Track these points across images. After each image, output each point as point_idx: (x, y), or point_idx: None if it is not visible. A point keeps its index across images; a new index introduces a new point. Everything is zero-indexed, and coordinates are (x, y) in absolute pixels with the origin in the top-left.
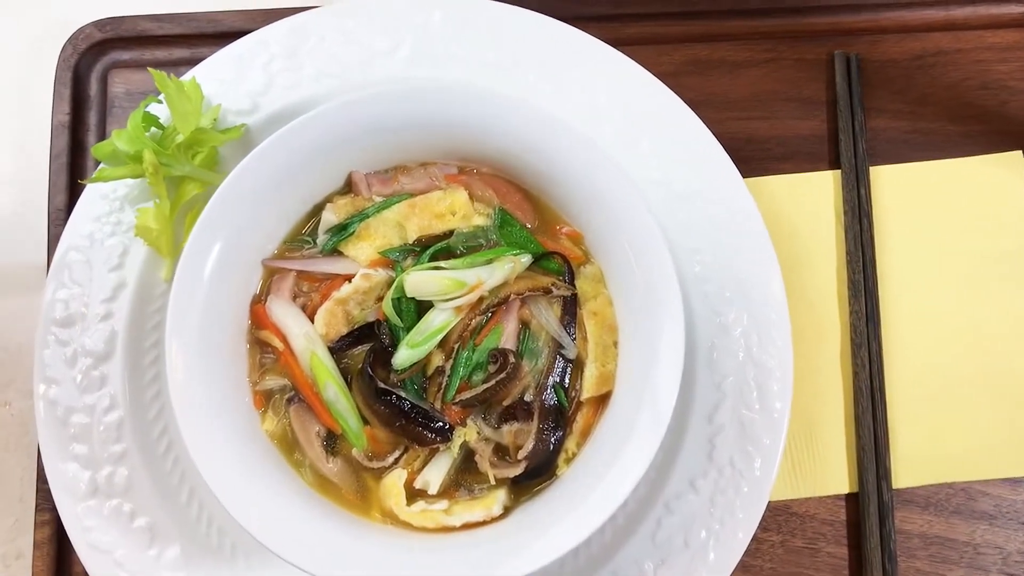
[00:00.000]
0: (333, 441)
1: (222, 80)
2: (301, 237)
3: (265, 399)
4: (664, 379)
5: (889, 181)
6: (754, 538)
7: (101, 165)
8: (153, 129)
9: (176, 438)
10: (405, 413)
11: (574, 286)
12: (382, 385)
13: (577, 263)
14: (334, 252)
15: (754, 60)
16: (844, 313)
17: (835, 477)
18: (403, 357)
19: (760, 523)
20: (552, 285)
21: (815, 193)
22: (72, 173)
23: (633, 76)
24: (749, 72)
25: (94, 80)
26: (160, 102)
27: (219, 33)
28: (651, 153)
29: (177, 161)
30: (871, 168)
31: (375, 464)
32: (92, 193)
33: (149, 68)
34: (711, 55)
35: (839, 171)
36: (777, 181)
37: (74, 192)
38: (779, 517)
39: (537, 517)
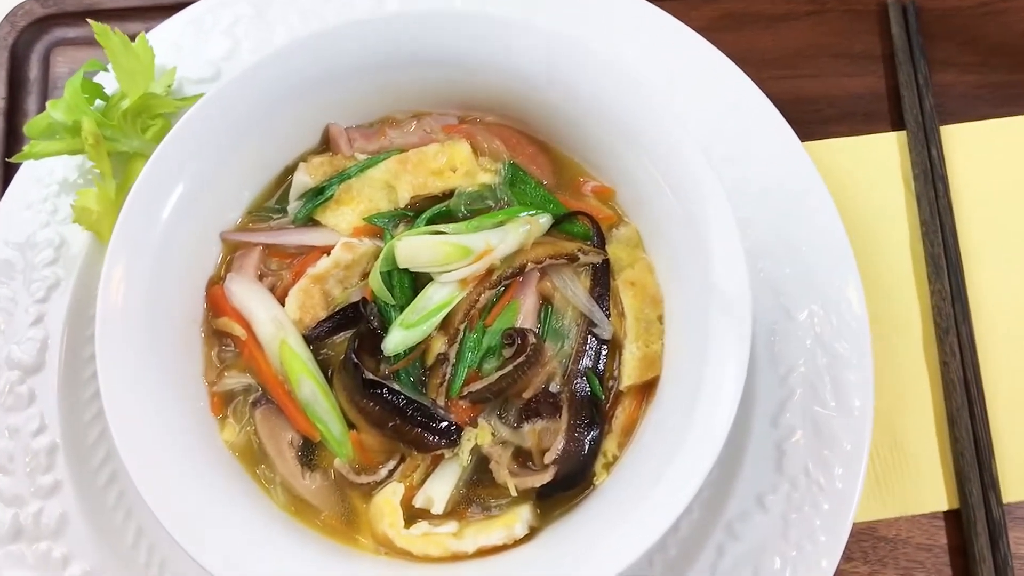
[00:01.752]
0: (310, 451)
1: (180, 46)
2: (268, 205)
3: (224, 402)
4: (726, 360)
5: (962, 141)
6: (836, 571)
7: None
8: (98, 102)
9: (123, 467)
10: (400, 411)
11: (605, 251)
12: (371, 376)
13: (607, 224)
14: (308, 221)
15: (795, 13)
16: (924, 294)
17: (930, 491)
18: (396, 341)
19: (845, 548)
20: (578, 251)
21: (877, 158)
22: (8, 165)
23: (667, 29)
24: (791, 26)
25: (34, 61)
26: (107, 70)
27: (179, 4)
28: (689, 112)
29: (124, 134)
30: (940, 127)
31: (364, 478)
32: (24, 176)
33: (89, 20)
34: (747, 8)
35: (903, 132)
36: (831, 146)
37: (8, 181)
38: (864, 543)
39: (570, 540)
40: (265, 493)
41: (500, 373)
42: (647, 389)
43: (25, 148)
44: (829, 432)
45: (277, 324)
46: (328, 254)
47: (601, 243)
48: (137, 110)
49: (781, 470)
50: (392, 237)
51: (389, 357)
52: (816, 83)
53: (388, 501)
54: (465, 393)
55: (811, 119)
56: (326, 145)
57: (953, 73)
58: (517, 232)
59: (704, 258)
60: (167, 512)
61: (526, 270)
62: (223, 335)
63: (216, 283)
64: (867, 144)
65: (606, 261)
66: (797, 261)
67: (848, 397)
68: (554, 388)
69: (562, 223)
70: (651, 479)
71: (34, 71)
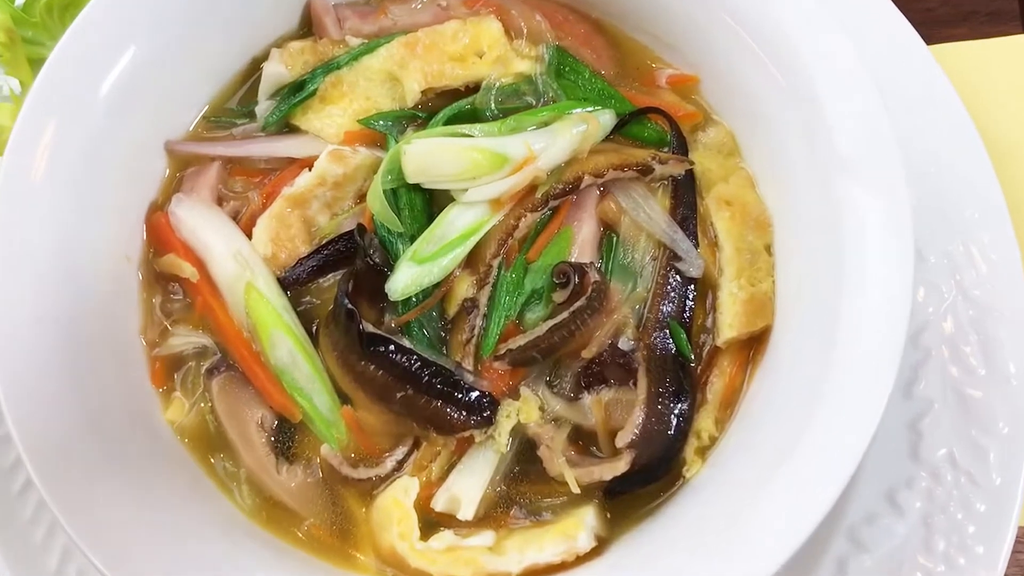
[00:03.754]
0: (288, 436)
1: None
2: (231, 107)
3: (169, 371)
4: (877, 295)
5: None
6: None
7: None
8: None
9: None
10: (413, 377)
11: (689, 159)
12: (372, 330)
13: (690, 125)
14: (283, 127)
15: None
16: None
17: None
18: (405, 281)
19: (1008, 560)
20: (652, 160)
21: (1011, 63)
22: None
23: None
24: None
25: None
26: None
27: None
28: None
29: (48, 34)
30: None
31: (363, 472)
32: None
33: None
34: None
35: None
36: (950, 51)
37: None
38: None
39: (655, 559)
40: (224, 494)
41: (551, 324)
42: (754, 345)
43: None
44: (978, 407)
45: (241, 261)
46: (310, 168)
47: (683, 150)
48: (64, 4)
49: (917, 458)
50: (396, 142)
51: (396, 305)
52: None
53: (397, 503)
54: (502, 352)
55: (921, 19)
56: (307, 27)
57: None
58: (569, 134)
59: (832, 160)
60: (82, 524)
61: (581, 186)
62: (168, 279)
63: (159, 209)
64: (996, 48)
65: (690, 173)
66: (926, 188)
67: (1001, 361)
68: (625, 345)
69: (627, 125)
70: (766, 471)
71: None
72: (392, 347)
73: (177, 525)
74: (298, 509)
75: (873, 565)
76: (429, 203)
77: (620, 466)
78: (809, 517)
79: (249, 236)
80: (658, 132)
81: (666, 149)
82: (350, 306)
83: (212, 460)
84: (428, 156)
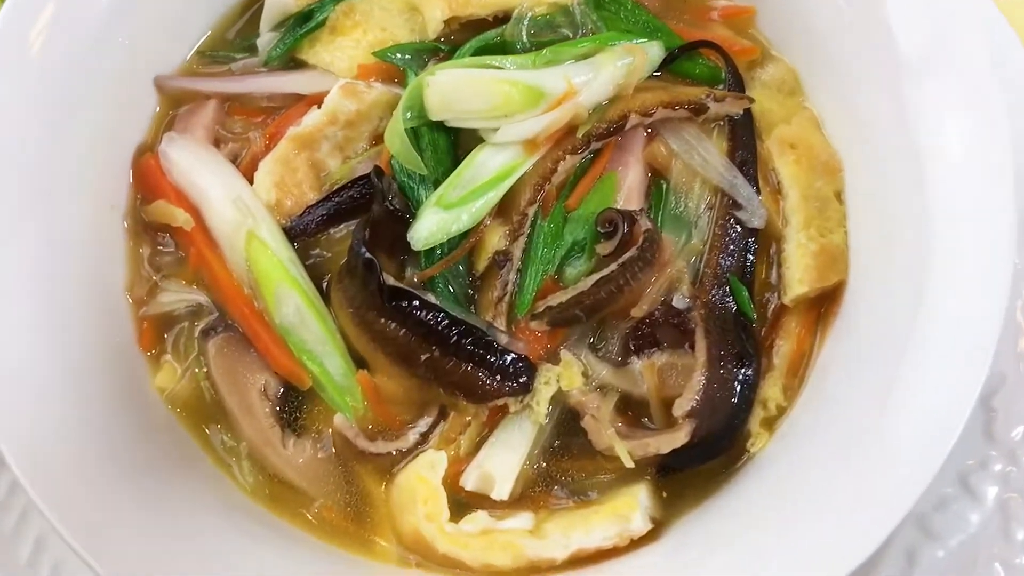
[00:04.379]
0: (295, 405)
1: None
2: (229, 40)
3: (159, 332)
4: (972, 249)
5: None
6: None
7: None
8: None
9: None
10: (440, 337)
11: (749, 96)
12: (393, 282)
13: (746, 62)
14: (288, 63)
15: None
16: None
17: None
18: (430, 229)
19: None
20: (707, 97)
21: None
22: None
23: None
24: None
25: None
26: None
27: None
28: None
29: None
30: None
31: (382, 446)
32: None
33: None
34: None
35: None
36: None
37: None
38: None
39: (717, 545)
40: (222, 471)
41: (597, 277)
42: (824, 305)
43: None
44: None
45: (241, 208)
46: (319, 106)
47: (739, 88)
48: None
49: (991, 437)
50: (416, 75)
51: (418, 258)
52: None
53: (423, 479)
54: (540, 310)
55: None
56: None
57: None
58: (613, 67)
59: (912, 96)
60: (60, 504)
61: (627, 125)
62: (157, 229)
63: (148, 152)
64: None
65: (748, 113)
66: None
67: None
68: (680, 303)
69: (676, 61)
70: (845, 447)
71: None
72: (416, 302)
73: (168, 504)
74: (306, 488)
75: (946, 556)
76: (454, 145)
77: (680, 437)
78: (896, 502)
79: (250, 181)
80: (711, 69)
81: (720, 87)
82: (368, 255)
83: (208, 433)
84: (455, 89)
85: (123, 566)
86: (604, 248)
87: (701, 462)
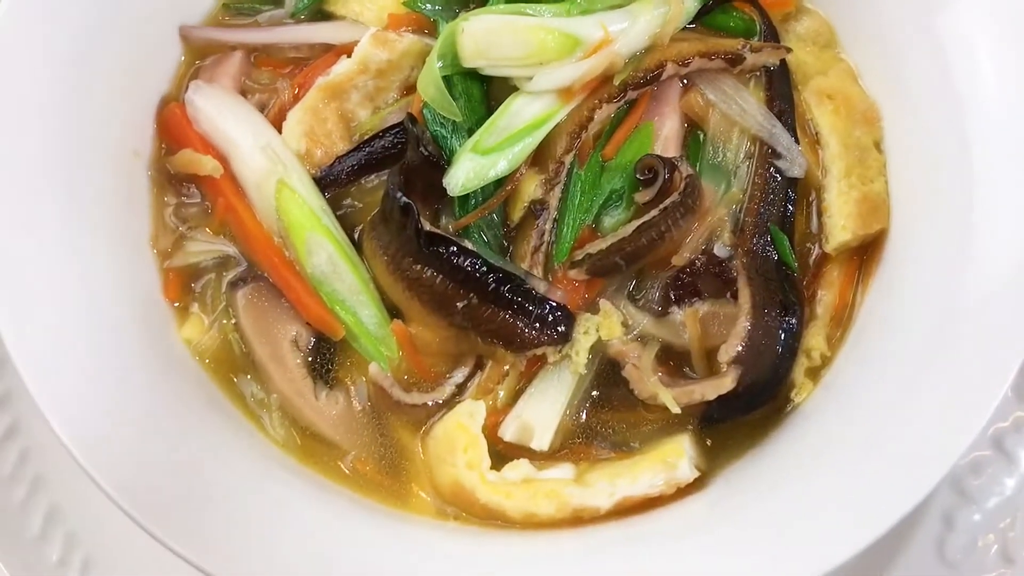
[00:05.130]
0: (328, 356)
1: None
2: None
3: (186, 283)
4: (1019, 194)
5: None
6: None
7: None
8: None
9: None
10: (478, 285)
11: (787, 46)
12: (429, 228)
13: (780, 15)
14: (316, 14)
15: None
16: None
17: None
18: (466, 173)
19: None
20: (744, 48)
21: None
22: None
23: None
24: None
25: None
26: None
27: None
28: None
29: None
30: None
31: (417, 397)
32: None
33: None
34: None
35: None
36: None
37: None
38: None
39: (761, 495)
40: (252, 423)
41: (638, 223)
42: (867, 253)
43: None
44: None
45: (271, 155)
46: (348, 56)
47: (773, 40)
48: None
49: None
50: (446, 23)
51: (453, 207)
52: None
53: (463, 427)
54: (580, 258)
55: None
56: None
57: None
58: (649, 15)
59: (954, 47)
60: (91, 450)
61: (664, 75)
62: (183, 180)
63: (172, 102)
64: None
65: (784, 64)
66: None
67: None
68: (721, 251)
69: (710, 14)
70: (892, 395)
71: None
72: (454, 248)
73: (196, 449)
74: (340, 441)
75: (982, 520)
76: (487, 96)
77: (726, 382)
78: (946, 450)
79: (279, 132)
80: (745, 22)
81: (755, 39)
82: (406, 199)
83: (237, 385)
84: (489, 35)
85: (152, 507)
86: (643, 196)
87: (745, 412)
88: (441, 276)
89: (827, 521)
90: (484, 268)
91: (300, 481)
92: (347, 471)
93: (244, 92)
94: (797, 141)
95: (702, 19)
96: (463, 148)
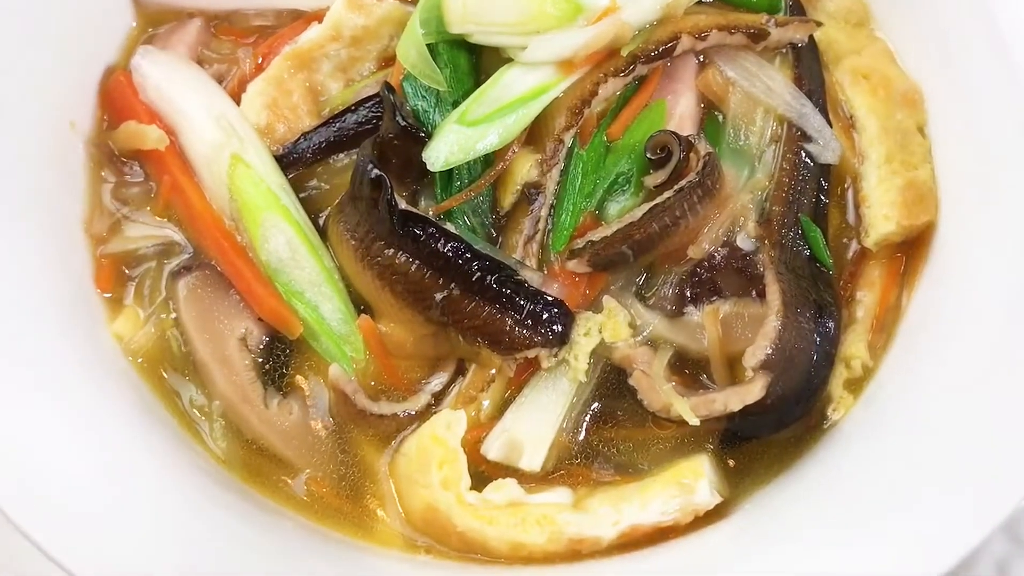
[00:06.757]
0: (280, 357)
1: None
2: None
3: (119, 271)
4: None
5: None
6: None
7: None
8: None
9: None
10: (460, 272)
11: (816, 20)
12: (404, 206)
13: None
14: None
15: None
16: None
17: None
18: (449, 146)
19: None
20: (768, 22)
21: None
22: None
23: None
24: None
25: None
26: None
27: None
28: None
29: None
30: None
31: (385, 407)
32: None
33: None
34: None
35: None
36: None
37: None
38: None
39: (791, 529)
40: (189, 434)
41: (649, 206)
42: (912, 248)
43: None
44: None
45: (225, 127)
46: (319, 22)
47: (800, 14)
48: None
49: None
50: None
51: (434, 187)
52: None
53: (438, 440)
54: (581, 246)
55: None
56: None
57: None
58: None
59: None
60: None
61: (677, 49)
62: (126, 157)
63: (117, 70)
64: None
65: (812, 41)
66: None
67: None
68: (745, 243)
69: None
70: (940, 418)
71: None
72: (433, 229)
73: (120, 466)
74: (292, 457)
75: None
76: (476, 68)
77: (754, 391)
78: (1011, 484)
79: (238, 104)
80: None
81: (783, 13)
82: (378, 171)
83: (174, 387)
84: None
85: (55, 526)
86: (655, 178)
87: (775, 430)
88: (417, 262)
89: (866, 562)
90: (468, 254)
91: (243, 503)
92: (300, 493)
93: (201, 63)
94: (830, 124)
95: None
96: (447, 119)
